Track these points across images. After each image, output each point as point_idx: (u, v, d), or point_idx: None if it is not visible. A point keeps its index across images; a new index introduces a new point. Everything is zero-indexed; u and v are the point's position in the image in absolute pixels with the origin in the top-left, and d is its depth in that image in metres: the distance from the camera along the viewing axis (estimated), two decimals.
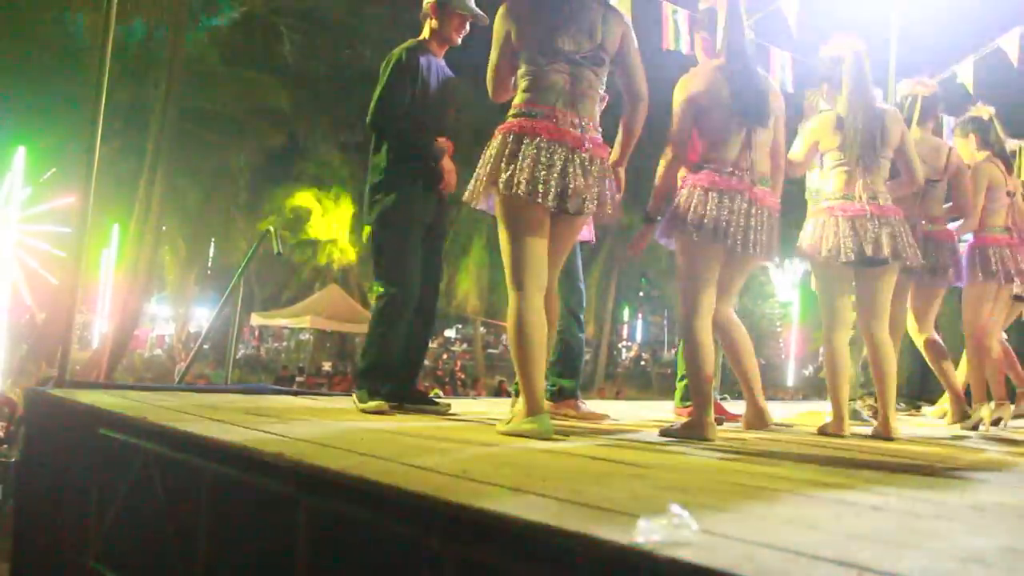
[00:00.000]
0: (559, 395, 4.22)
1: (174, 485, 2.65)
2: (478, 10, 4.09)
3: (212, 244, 26.43)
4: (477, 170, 3.04)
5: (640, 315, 44.72)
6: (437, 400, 4.17)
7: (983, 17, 7.61)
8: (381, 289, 3.99)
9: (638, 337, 45.24)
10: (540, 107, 3.00)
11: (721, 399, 5.17)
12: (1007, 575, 1.25)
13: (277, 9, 20.18)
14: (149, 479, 2.78)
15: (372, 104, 3.98)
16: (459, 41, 4.15)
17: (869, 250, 3.73)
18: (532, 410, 2.88)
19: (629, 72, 3.19)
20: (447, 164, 4.00)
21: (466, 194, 3.10)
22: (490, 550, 1.53)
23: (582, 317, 4.39)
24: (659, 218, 3.60)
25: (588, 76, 3.07)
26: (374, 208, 4.00)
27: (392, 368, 3.97)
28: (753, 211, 3.35)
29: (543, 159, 2.91)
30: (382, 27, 19.76)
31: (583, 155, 2.99)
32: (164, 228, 19.97)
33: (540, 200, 2.90)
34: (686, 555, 1.22)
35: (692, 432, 3.31)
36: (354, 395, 3.93)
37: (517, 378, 2.97)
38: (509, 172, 2.91)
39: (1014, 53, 7.07)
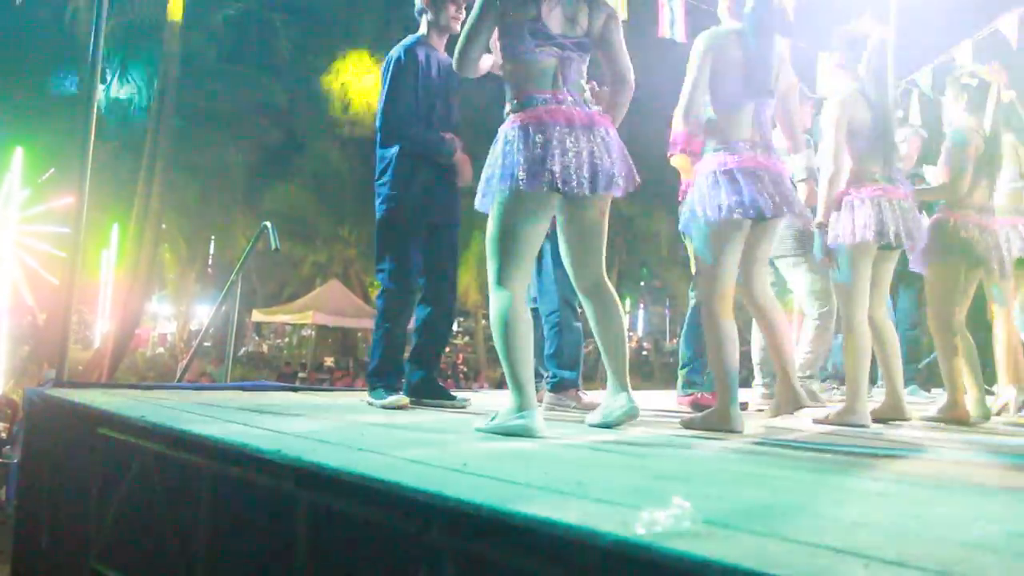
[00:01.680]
0: (560, 386, 4.20)
1: (173, 484, 2.63)
2: None
3: (212, 241, 26.42)
4: (489, 170, 2.96)
5: (642, 305, 44.67)
6: (455, 395, 4.15)
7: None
8: (381, 286, 3.98)
9: (640, 327, 45.21)
10: (542, 92, 2.96)
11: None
12: (1015, 561, 1.23)
13: (273, 5, 20.14)
14: (148, 478, 2.76)
15: (379, 114, 3.99)
16: (458, 28, 4.10)
17: (891, 233, 3.72)
18: (522, 406, 2.83)
19: (614, 55, 3.14)
20: (460, 157, 3.99)
21: (478, 199, 3.03)
22: (490, 544, 1.51)
23: (578, 307, 4.37)
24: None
25: (576, 61, 3.04)
26: (379, 202, 4.00)
27: (401, 362, 3.96)
28: (768, 178, 3.31)
29: (570, 145, 2.87)
30: (377, 21, 19.74)
31: (599, 131, 2.96)
32: (164, 226, 19.96)
33: (576, 188, 2.85)
34: (688, 546, 1.20)
35: (717, 424, 3.25)
36: (368, 396, 3.90)
37: (506, 374, 2.91)
38: (532, 164, 2.83)
39: (1013, 36, 7.03)
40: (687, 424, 3.32)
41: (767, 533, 1.32)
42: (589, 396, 4.32)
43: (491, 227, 2.99)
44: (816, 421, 3.77)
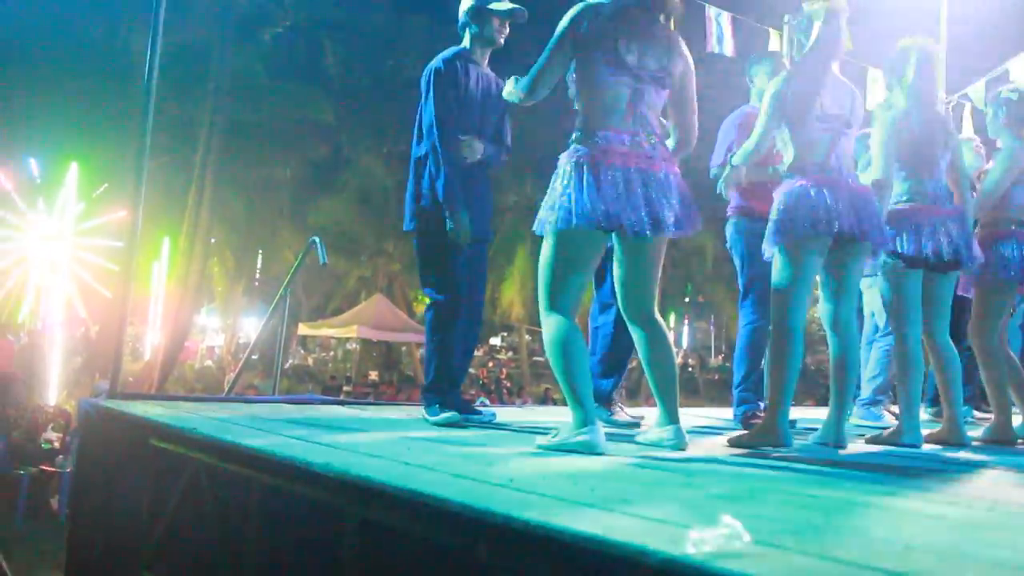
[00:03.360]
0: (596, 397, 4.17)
1: (223, 495, 2.67)
2: (516, 5, 4.02)
3: (259, 255, 26.77)
4: (548, 199, 2.97)
5: (687, 320, 44.35)
6: (482, 409, 4.15)
7: None
8: (429, 299, 3.98)
9: (684, 343, 44.87)
10: (607, 129, 2.94)
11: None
12: None
13: (319, 22, 20.40)
14: (199, 489, 2.81)
15: (418, 128, 3.97)
16: (502, 42, 4.09)
17: (945, 252, 3.68)
18: (584, 421, 2.82)
19: (683, 110, 3.17)
20: (457, 226, 3.83)
21: (537, 222, 3.03)
22: (538, 561, 1.51)
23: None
24: None
25: (649, 94, 3.03)
26: (417, 216, 3.98)
27: (454, 375, 3.95)
28: (855, 200, 3.34)
29: (622, 188, 2.87)
30: (423, 37, 19.90)
31: (658, 174, 2.95)
32: (212, 240, 20.28)
33: (629, 230, 2.87)
34: (739, 567, 1.19)
35: (764, 439, 3.24)
36: (423, 410, 3.89)
37: (565, 394, 2.92)
38: (585, 202, 2.84)
39: None
40: (734, 442, 3.29)
41: (819, 554, 1.31)
42: (625, 411, 4.27)
43: (545, 253, 3.01)
44: (868, 441, 3.73)
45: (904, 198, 3.80)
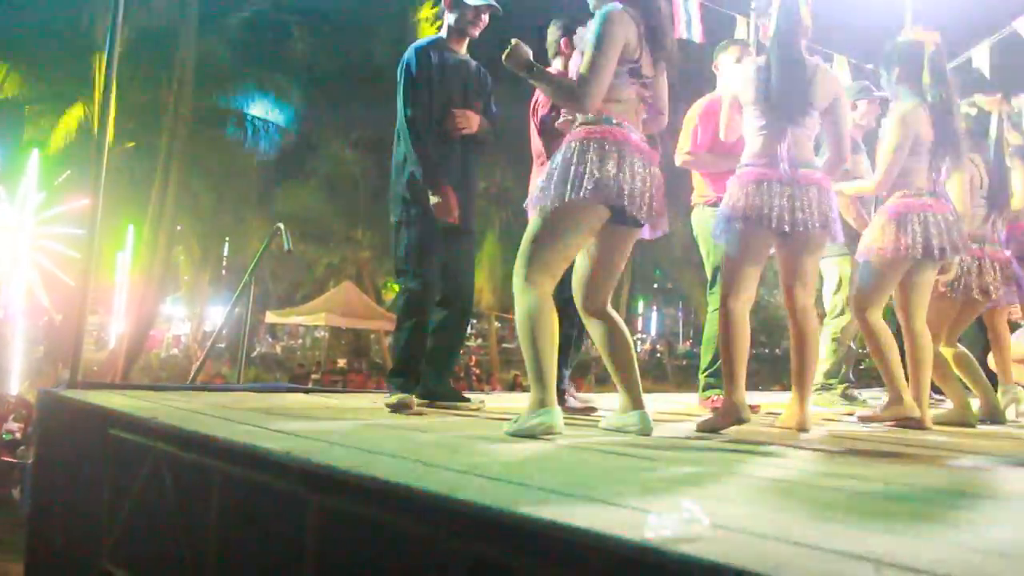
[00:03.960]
0: None
1: (184, 485, 2.64)
2: (493, 0, 4.03)
3: (226, 243, 26.53)
4: (552, 175, 2.95)
5: (654, 307, 44.62)
6: (469, 397, 4.14)
7: (998, 1, 7.51)
8: (402, 289, 3.96)
9: (653, 329, 45.14)
10: (619, 117, 3.00)
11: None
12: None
13: (287, 7, 20.19)
14: (160, 479, 2.77)
15: (398, 117, 3.95)
16: (476, 35, 4.10)
17: (937, 246, 3.74)
18: (543, 402, 2.83)
19: (660, 94, 3.22)
20: (439, 201, 3.84)
21: (529, 200, 3.08)
22: (499, 547, 1.50)
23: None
24: None
25: (645, 96, 3.11)
26: (397, 205, 3.99)
27: (420, 363, 3.94)
28: (797, 194, 3.32)
29: (639, 169, 2.92)
30: (392, 23, 19.77)
31: (655, 169, 3.02)
32: (178, 228, 20.06)
33: (636, 212, 2.91)
34: (697, 550, 1.19)
35: (727, 419, 3.27)
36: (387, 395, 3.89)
37: (528, 370, 2.92)
38: (603, 177, 2.86)
39: None
40: (702, 427, 3.32)
41: (780, 537, 1.31)
42: (577, 399, 4.28)
43: (535, 228, 3.00)
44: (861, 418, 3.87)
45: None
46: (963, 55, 7.36)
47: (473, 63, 4.14)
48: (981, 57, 7.24)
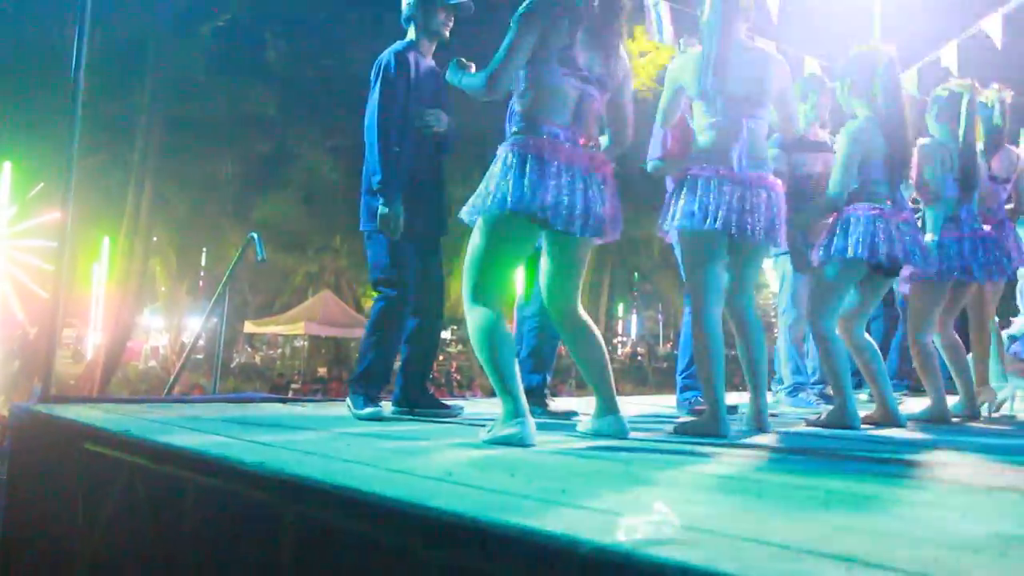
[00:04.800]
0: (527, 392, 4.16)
1: (157, 497, 2.61)
2: None
3: (203, 253, 26.38)
4: (484, 187, 2.92)
5: (634, 310, 44.75)
6: (448, 404, 4.12)
7: (965, 0, 7.61)
8: (376, 297, 3.93)
9: (633, 332, 45.25)
10: (553, 124, 2.93)
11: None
12: (998, 561, 1.22)
13: (261, 15, 20.11)
14: (133, 492, 2.74)
15: (367, 121, 3.90)
16: (447, 35, 4.05)
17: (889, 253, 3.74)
18: (514, 413, 2.79)
19: (620, 114, 3.17)
20: (387, 213, 3.79)
21: (464, 210, 2.98)
22: (472, 554, 1.50)
23: None
24: None
25: (593, 99, 3.02)
26: (369, 213, 3.93)
27: (388, 373, 3.91)
28: (748, 195, 3.28)
29: (565, 182, 2.85)
30: (368, 30, 19.74)
31: (598, 177, 2.95)
32: (154, 239, 19.93)
33: (562, 227, 2.85)
34: (668, 552, 1.19)
35: (705, 429, 3.25)
36: (348, 401, 3.85)
37: (494, 385, 2.89)
38: (525, 194, 2.80)
39: (997, 36, 7.06)
40: (679, 429, 3.32)
41: (750, 538, 1.31)
42: (558, 401, 4.29)
43: (474, 243, 2.97)
44: (808, 424, 3.80)
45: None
46: (932, 54, 7.44)
47: (439, 71, 4.06)
48: (949, 56, 7.32)
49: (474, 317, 2.92)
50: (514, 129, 2.99)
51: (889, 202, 3.81)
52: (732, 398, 4.06)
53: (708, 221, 3.24)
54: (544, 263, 3.15)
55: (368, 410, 3.70)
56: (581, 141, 2.96)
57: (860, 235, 3.73)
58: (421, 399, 4.01)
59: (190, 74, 18.23)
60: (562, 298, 3.13)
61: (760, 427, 3.45)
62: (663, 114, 3.60)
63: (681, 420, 3.52)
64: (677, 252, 4.63)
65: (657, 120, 3.66)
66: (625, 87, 3.15)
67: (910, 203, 4.15)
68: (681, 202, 3.33)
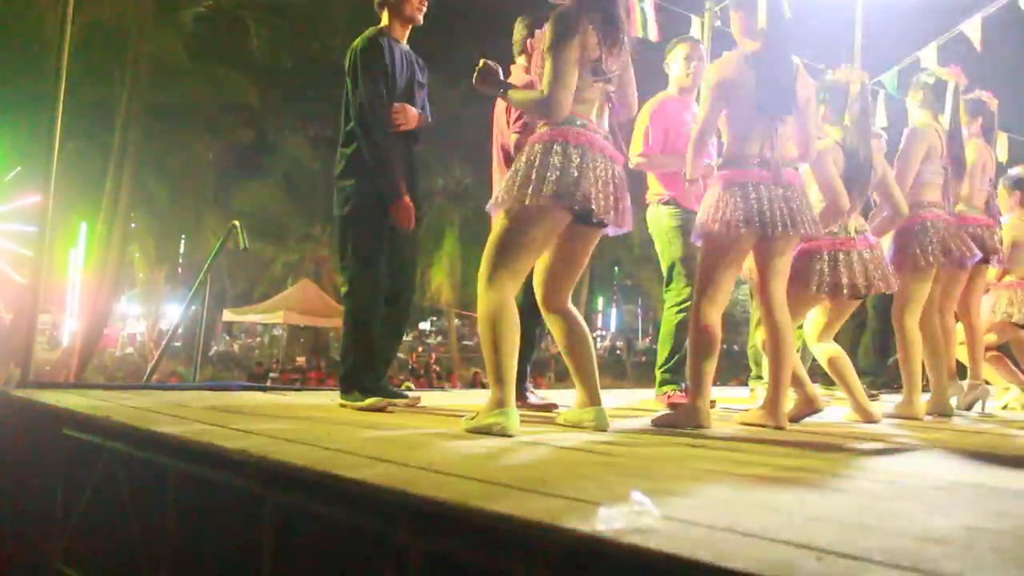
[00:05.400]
0: None
1: (139, 484, 2.62)
2: None
3: (182, 241, 26.18)
4: (515, 177, 2.93)
5: (614, 304, 44.86)
6: (407, 393, 4.13)
7: (945, 3, 7.69)
8: (347, 286, 3.91)
9: (612, 326, 45.38)
10: (582, 117, 2.99)
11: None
12: (964, 553, 1.26)
13: (243, 3, 19.95)
14: (114, 479, 2.75)
15: (346, 109, 3.88)
16: (421, 19, 4.00)
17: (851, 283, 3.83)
18: (501, 403, 2.84)
19: (627, 89, 3.24)
20: (401, 204, 3.81)
21: (492, 202, 3.04)
22: (454, 542, 1.52)
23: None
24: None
25: (609, 93, 3.12)
26: (341, 200, 3.91)
27: (375, 363, 3.91)
28: (778, 195, 3.38)
29: (601, 172, 2.92)
30: (349, 18, 19.63)
31: (619, 167, 3.03)
32: (133, 225, 19.77)
33: (598, 215, 2.90)
34: (647, 541, 1.22)
35: (687, 419, 3.32)
36: (342, 399, 3.84)
37: (488, 370, 2.93)
38: (565, 181, 2.85)
39: (976, 38, 7.15)
40: (658, 422, 3.36)
41: (726, 528, 1.34)
42: (538, 396, 4.31)
43: (499, 230, 2.99)
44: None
45: None
46: (912, 55, 7.51)
47: (414, 55, 4.06)
48: (929, 57, 7.40)
49: (485, 301, 2.95)
50: (543, 123, 3.02)
51: (842, 233, 3.88)
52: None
53: (742, 223, 3.33)
54: (544, 257, 3.18)
55: (370, 400, 3.70)
56: (606, 135, 3.07)
57: (823, 271, 3.82)
58: (384, 388, 3.98)
59: (171, 60, 18.06)
60: (559, 291, 3.19)
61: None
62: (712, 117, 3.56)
63: (661, 414, 3.55)
64: (659, 248, 4.68)
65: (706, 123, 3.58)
66: (628, 69, 3.22)
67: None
68: (723, 203, 3.37)
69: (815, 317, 4.08)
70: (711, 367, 3.43)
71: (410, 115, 3.91)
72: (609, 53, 3.03)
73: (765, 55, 3.47)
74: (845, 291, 3.81)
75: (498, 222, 3.02)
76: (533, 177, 2.88)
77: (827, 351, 4.05)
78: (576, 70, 2.95)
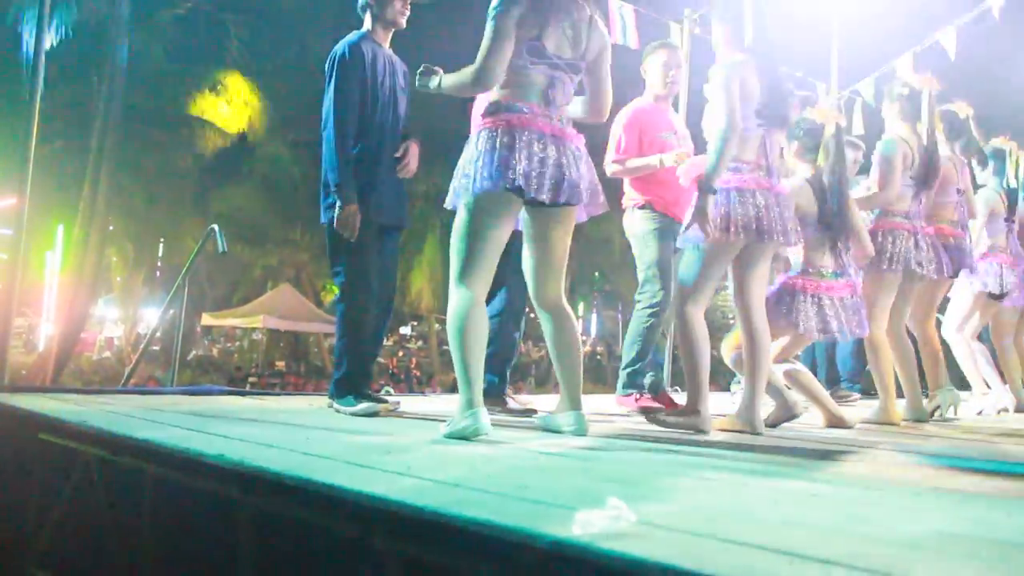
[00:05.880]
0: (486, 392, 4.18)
1: (115, 489, 2.60)
2: None
3: (160, 244, 25.97)
4: (460, 170, 3.00)
5: (595, 309, 44.90)
6: (387, 398, 4.12)
7: (921, 12, 7.76)
8: (340, 292, 3.91)
9: (593, 331, 45.41)
10: (522, 103, 3.00)
11: (673, 390, 5.25)
12: (938, 559, 1.28)
13: (223, 4, 19.84)
14: (90, 484, 2.72)
15: (324, 115, 3.87)
16: (404, 24, 4.01)
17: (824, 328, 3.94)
18: (469, 403, 2.85)
19: (598, 87, 3.23)
20: (345, 212, 3.77)
21: (448, 197, 3.07)
22: (431, 548, 1.52)
23: (523, 320, 4.42)
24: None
25: (565, 82, 3.09)
26: (328, 207, 3.90)
27: (369, 368, 3.91)
28: (773, 202, 3.45)
29: (537, 150, 2.92)
30: (330, 20, 19.57)
31: (571, 145, 3.03)
32: (111, 228, 19.58)
33: (537, 193, 2.90)
34: (622, 546, 1.23)
35: (690, 424, 3.38)
36: (334, 404, 3.83)
37: (456, 370, 2.95)
38: (497, 165, 2.88)
39: (951, 48, 7.22)
40: (655, 420, 3.41)
41: (702, 533, 1.36)
42: (517, 400, 4.32)
43: (457, 226, 3.05)
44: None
45: None
46: (887, 64, 7.58)
47: (397, 59, 4.06)
48: (905, 66, 7.46)
49: (454, 299, 2.98)
50: (485, 109, 3.06)
51: (830, 277, 3.96)
52: (681, 397, 4.13)
53: (742, 230, 3.39)
54: (525, 252, 3.20)
55: (363, 406, 3.70)
56: (553, 117, 3.04)
57: (807, 313, 3.89)
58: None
59: (149, 62, 17.94)
60: (545, 285, 3.19)
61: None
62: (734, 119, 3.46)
63: (655, 413, 3.61)
64: (636, 252, 4.69)
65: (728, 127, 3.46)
66: (602, 60, 3.20)
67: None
68: (727, 210, 3.41)
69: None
70: (706, 369, 3.50)
71: (413, 161, 4.01)
72: (549, 34, 3.01)
73: (762, 65, 3.51)
74: (820, 336, 3.95)
75: (457, 218, 3.06)
76: (470, 170, 2.94)
77: (785, 368, 4.09)
78: (510, 43, 2.96)
